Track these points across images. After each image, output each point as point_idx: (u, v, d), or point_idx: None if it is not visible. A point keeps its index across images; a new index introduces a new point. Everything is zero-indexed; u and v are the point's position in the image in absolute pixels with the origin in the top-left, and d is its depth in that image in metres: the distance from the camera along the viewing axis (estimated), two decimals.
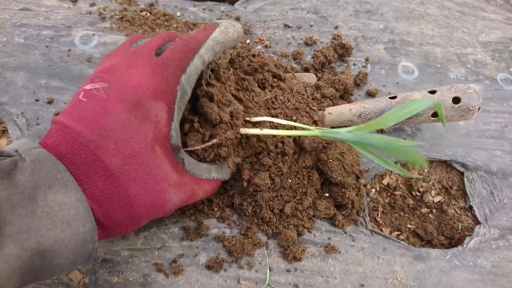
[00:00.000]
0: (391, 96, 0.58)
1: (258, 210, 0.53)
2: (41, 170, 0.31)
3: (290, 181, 0.53)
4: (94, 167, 0.34)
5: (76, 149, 0.34)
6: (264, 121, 0.49)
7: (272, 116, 0.53)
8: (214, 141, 0.44)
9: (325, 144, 0.56)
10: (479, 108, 0.55)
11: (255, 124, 0.49)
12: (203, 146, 0.44)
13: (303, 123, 0.54)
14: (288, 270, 0.52)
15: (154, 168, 0.37)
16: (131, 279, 0.49)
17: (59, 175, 0.32)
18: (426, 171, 0.67)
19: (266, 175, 0.52)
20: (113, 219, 0.36)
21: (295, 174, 0.54)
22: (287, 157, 0.53)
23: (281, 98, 0.55)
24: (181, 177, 0.41)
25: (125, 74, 0.38)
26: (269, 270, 0.52)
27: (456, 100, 0.55)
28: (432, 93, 0.56)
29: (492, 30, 0.79)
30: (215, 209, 0.55)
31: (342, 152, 0.56)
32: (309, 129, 0.47)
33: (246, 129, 0.47)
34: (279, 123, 0.51)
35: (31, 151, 0.33)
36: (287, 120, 0.54)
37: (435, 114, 0.56)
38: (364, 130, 0.43)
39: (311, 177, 0.55)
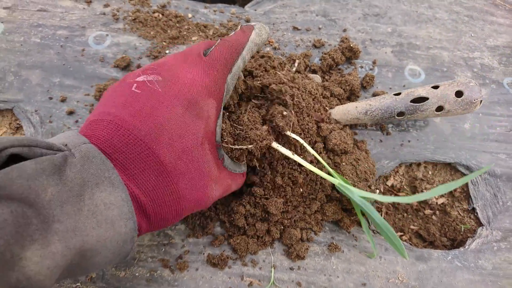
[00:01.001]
0: (395, 93, 0.59)
1: (265, 215, 0.54)
2: (90, 167, 0.31)
3: (301, 190, 0.54)
4: (149, 161, 0.34)
5: (131, 143, 0.33)
6: (292, 138, 0.50)
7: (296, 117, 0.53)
8: (250, 146, 0.45)
9: (347, 149, 0.57)
10: (481, 101, 0.56)
11: (283, 138, 0.50)
12: (237, 147, 0.45)
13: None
14: (291, 268, 0.53)
15: (202, 163, 0.38)
16: (137, 274, 0.51)
17: (107, 174, 0.32)
18: (430, 173, 0.67)
19: (280, 201, 0.52)
20: (160, 214, 0.36)
21: (309, 181, 0.55)
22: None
23: (302, 103, 0.54)
24: (220, 172, 0.42)
25: (179, 71, 0.39)
26: (273, 268, 0.53)
27: (458, 93, 0.56)
28: (435, 88, 0.57)
29: (500, 35, 0.80)
30: (220, 215, 0.56)
31: (358, 159, 0.57)
32: (331, 175, 0.52)
33: (279, 145, 0.48)
34: (305, 147, 0.51)
35: (80, 146, 0.32)
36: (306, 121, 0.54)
37: (439, 109, 0.57)
38: (374, 198, 0.49)
39: (323, 183, 0.56)
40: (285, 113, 0.47)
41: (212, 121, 0.40)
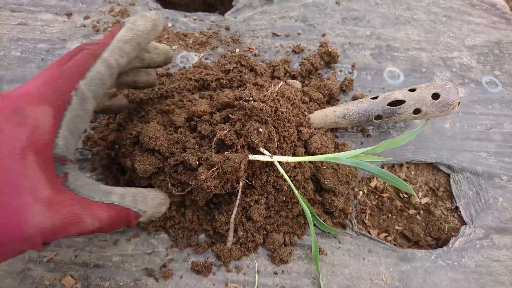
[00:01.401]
0: (373, 96, 0.60)
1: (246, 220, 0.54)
2: None
3: (284, 198, 0.55)
4: None
5: None
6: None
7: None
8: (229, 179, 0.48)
9: (328, 153, 0.57)
10: (459, 102, 0.57)
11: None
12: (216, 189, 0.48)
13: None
14: (275, 273, 0.53)
15: (17, 176, 0.31)
16: (121, 284, 0.51)
17: None
18: (412, 173, 0.68)
19: (262, 208, 0.53)
20: None
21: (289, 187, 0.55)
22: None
23: (280, 109, 0.54)
24: (58, 194, 0.34)
25: (24, 83, 0.36)
26: (257, 273, 0.53)
27: (435, 96, 0.57)
28: (412, 91, 0.58)
29: (478, 34, 0.81)
30: (203, 225, 0.56)
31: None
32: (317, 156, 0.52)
33: (255, 156, 0.49)
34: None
35: None
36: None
37: (416, 111, 0.58)
38: (360, 158, 0.49)
39: (305, 187, 0.56)
40: (260, 130, 0.48)
41: (43, 130, 0.34)
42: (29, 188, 0.32)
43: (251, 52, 0.72)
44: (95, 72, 0.37)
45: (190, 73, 0.64)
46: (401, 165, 0.68)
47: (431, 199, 0.68)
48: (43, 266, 0.52)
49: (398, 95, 0.58)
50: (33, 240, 0.32)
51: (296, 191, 0.50)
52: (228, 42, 0.73)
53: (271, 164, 0.52)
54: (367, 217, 0.65)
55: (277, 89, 0.55)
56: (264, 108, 0.48)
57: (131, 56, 0.42)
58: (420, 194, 0.68)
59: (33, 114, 0.34)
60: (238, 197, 0.49)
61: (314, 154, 0.57)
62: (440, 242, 0.64)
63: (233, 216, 0.51)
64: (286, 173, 0.52)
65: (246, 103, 0.49)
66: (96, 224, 0.36)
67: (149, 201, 0.43)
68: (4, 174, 0.31)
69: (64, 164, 0.36)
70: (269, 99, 0.51)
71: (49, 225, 0.32)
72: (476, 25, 0.82)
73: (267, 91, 0.53)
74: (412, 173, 0.68)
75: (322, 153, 0.57)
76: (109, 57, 0.39)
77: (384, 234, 0.65)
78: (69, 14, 0.74)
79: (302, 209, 0.56)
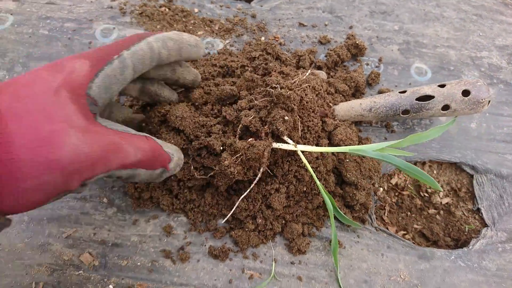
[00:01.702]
0: (401, 90, 0.59)
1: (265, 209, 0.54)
2: None
3: (305, 189, 0.54)
4: None
5: None
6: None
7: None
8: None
9: (351, 144, 0.57)
10: (489, 101, 0.55)
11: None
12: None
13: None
14: (292, 263, 0.53)
15: (51, 106, 0.31)
16: (139, 263, 0.51)
17: None
18: (435, 172, 0.67)
19: (282, 197, 0.52)
20: None
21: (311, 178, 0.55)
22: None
23: (305, 98, 0.53)
24: (93, 125, 0.34)
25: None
26: (274, 261, 0.53)
27: (465, 93, 0.55)
28: (441, 87, 0.57)
29: (510, 34, 0.79)
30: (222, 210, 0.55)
31: (362, 156, 0.57)
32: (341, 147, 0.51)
33: (279, 144, 0.48)
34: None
35: None
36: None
37: (445, 108, 0.56)
38: (386, 151, 0.48)
39: (327, 179, 0.56)
40: (286, 118, 0.47)
41: (78, 74, 0.34)
42: (63, 116, 0.31)
43: (277, 41, 0.71)
44: (139, 47, 0.40)
45: (214, 59, 0.64)
46: (423, 163, 0.67)
47: (452, 199, 0.66)
48: (62, 241, 0.52)
49: (427, 90, 0.57)
50: (69, 170, 0.30)
51: (318, 182, 0.49)
52: (254, 30, 0.72)
53: (294, 153, 0.52)
54: (386, 214, 0.64)
55: (304, 77, 0.54)
56: (292, 96, 0.48)
57: (171, 55, 0.44)
58: (441, 194, 0.66)
59: (71, 63, 0.34)
60: (255, 181, 0.49)
61: (338, 145, 0.56)
62: (459, 243, 0.62)
63: (241, 197, 0.50)
64: (309, 163, 0.51)
65: (272, 90, 0.48)
66: (138, 155, 0.35)
67: (173, 147, 0.44)
68: (39, 105, 0.30)
69: (94, 105, 0.36)
70: (296, 87, 0.51)
71: (87, 151, 0.31)
72: (508, 24, 0.80)
73: (294, 79, 0.53)
74: (435, 172, 0.67)
75: (346, 145, 0.56)
76: (153, 41, 0.41)
77: (402, 232, 0.64)
78: None
79: (322, 201, 0.56)
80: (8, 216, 0.30)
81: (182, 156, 0.45)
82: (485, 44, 0.76)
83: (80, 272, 0.50)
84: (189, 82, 0.53)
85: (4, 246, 0.51)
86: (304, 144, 0.52)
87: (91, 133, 0.32)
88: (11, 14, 0.71)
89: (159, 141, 0.41)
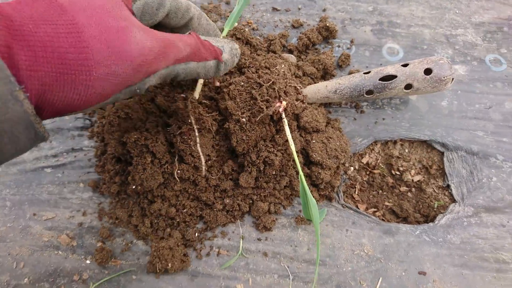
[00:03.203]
0: (365, 71, 0.60)
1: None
2: None
3: (274, 172, 0.56)
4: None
5: None
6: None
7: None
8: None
9: (319, 127, 0.59)
10: (452, 79, 0.56)
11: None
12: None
13: (292, 103, 0.56)
14: (259, 239, 0.56)
15: (111, 6, 0.32)
16: (114, 244, 0.54)
17: None
18: (406, 150, 0.68)
19: (251, 177, 0.55)
20: (51, 53, 0.27)
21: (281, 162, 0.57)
22: (279, 147, 0.56)
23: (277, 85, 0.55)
24: (148, 27, 0.36)
25: None
26: (242, 238, 0.55)
27: (427, 71, 0.56)
28: (404, 66, 0.58)
29: (487, 11, 0.78)
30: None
31: (330, 137, 0.59)
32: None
33: (285, 120, 0.52)
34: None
35: None
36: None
37: (408, 87, 0.57)
38: None
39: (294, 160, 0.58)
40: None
41: None
42: (123, 15, 0.33)
43: (250, 26, 0.73)
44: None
45: None
46: (394, 142, 0.68)
47: (423, 177, 0.68)
48: (42, 224, 0.56)
49: (390, 70, 0.58)
50: (137, 62, 0.32)
51: (296, 157, 0.50)
52: (228, 16, 0.73)
53: (272, 138, 0.54)
54: (356, 192, 0.66)
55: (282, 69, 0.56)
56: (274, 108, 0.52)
57: (200, 27, 0.46)
58: (412, 171, 0.68)
59: None
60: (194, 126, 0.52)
61: (305, 128, 0.58)
62: (428, 219, 0.64)
63: (198, 145, 0.52)
64: (279, 147, 0.54)
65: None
66: (187, 49, 0.37)
67: (222, 40, 0.44)
68: (98, 2, 0.31)
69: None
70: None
71: (150, 46, 0.33)
72: (486, 1, 0.79)
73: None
74: (406, 150, 0.68)
75: (312, 127, 0.58)
76: (193, 6, 0.44)
77: (372, 209, 0.65)
78: None
79: (289, 181, 0.58)
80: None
81: (237, 46, 0.45)
82: (461, 22, 0.76)
83: (58, 252, 0.54)
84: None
85: None
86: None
87: (149, 32, 0.34)
88: None
89: (206, 37, 0.43)
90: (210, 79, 0.56)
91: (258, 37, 0.70)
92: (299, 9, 0.76)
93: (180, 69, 0.37)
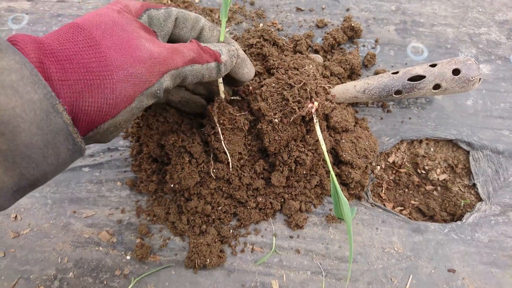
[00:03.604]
0: (393, 71, 0.61)
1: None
2: None
3: (304, 172, 0.58)
4: (67, 28, 0.35)
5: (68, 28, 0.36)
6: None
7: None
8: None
9: (348, 127, 0.60)
10: (480, 79, 0.57)
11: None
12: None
13: (323, 103, 0.58)
14: (291, 237, 0.57)
15: (120, 20, 0.38)
16: (152, 241, 0.56)
17: None
18: (432, 149, 0.69)
19: (282, 176, 0.56)
20: (77, 64, 0.32)
21: (311, 161, 0.58)
22: (310, 146, 0.57)
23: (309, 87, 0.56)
24: (154, 38, 0.41)
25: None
26: (274, 236, 0.57)
27: (456, 72, 0.57)
28: (432, 67, 0.58)
29: (511, 9, 0.78)
30: None
31: (359, 137, 0.60)
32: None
33: (317, 121, 0.53)
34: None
35: None
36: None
37: (436, 87, 0.58)
38: None
39: (324, 159, 0.59)
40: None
41: (133, 6, 0.43)
42: (132, 28, 0.38)
43: (275, 26, 0.74)
44: (188, 12, 0.46)
45: None
46: (420, 141, 0.69)
47: (449, 175, 0.69)
48: (83, 221, 0.58)
49: (418, 70, 0.59)
50: (149, 63, 0.37)
51: (326, 156, 0.51)
52: (253, 17, 0.75)
53: (302, 139, 0.56)
54: (383, 191, 0.67)
55: (311, 69, 0.57)
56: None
57: (212, 38, 0.49)
58: (438, 170, 0.69)
59: (125, 1, 0.42)
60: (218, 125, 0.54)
61: (334, 128, 0.59)
62: (455, 217, 0.65)
63: (223, 143, 0.54)
64: (309, 146, 0.55)
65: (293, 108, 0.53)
66: (191, 53, 0.42)
67: (220, 45, 0.47)
68: (108, 18, 0.37)
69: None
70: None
71: (158, 51, 0.38)
72: None
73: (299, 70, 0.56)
74: (431, 149, 0.69)
75: (342, 127, 0.59)
76: (203, 19, 0.48)
77: (399, 208, 0.67)
78: None
79: (319, 180, 0.59)
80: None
81: (235, 47, 0.48)
82: (484, 20, 0.76)
83: (99, 248, 0.56)
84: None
85: (33, 226, 0.57)
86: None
87: (156, 42, 0.40)
88: (27, 14, 0.76)
89: (205, 44, 0.47)
90: (245, 88, 0.58)
91: (284, 38, 0.72)
92: (323, 9, 0.77)
93: (187, 70, 0.41)
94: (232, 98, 0.57)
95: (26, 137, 0.29)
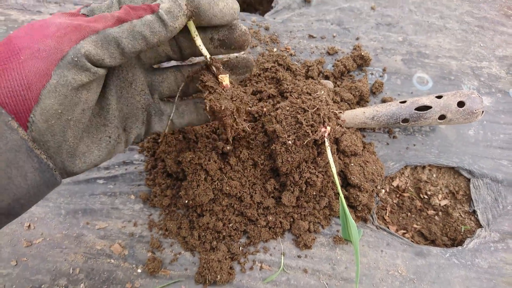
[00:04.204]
0: (401, 100, 0.64)
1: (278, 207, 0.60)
2: None
3: (314, 193, 0.60)
4: None
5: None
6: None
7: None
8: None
9: (357, 151, 0.63)
10: (483, 111, 0.60)
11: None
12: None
13: (335, 128, 0.60)
14: (299, 256, 0.59)
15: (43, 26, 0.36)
16: (163, 255, 0.58)
17: None
18: (434, 175, 0.72)
19: (293, 196, 0.58)
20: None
21: (322, 183, 0.60)
22: (320, 168, 0.59)
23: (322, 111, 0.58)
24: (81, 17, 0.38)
25: None
26: (283, 255, 0.59)
27: (460, 104, 0.60)
28: (438, 98, 0.62)
29: (510, 45, 0.83)
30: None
31: (367, 161, 0.63)
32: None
33: (328, 146, 0.55)
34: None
35: None
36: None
37: (441, 117, 0.61)
38: None
39: (334, 182, 0.61)
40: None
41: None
42: (49, 17, 0.36)
43: (288, 52, 0.77)
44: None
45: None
46: (423, 167, 0.72)
47: (450, 201, 0.71)
48: (95, 233, 0.59)
49: (425, 100, 0.62)
50: (57, 35, 0.34)
51: (336, 177, 0.54)
52: (267, 41, 0.78)
53: (313, 160, 0.58)
54: (387, 214, 0.69)
55: (323, 93, 0.60)
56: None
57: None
58: (440, 196, 0.71)
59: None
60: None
61: (344, 151, 0.62)
62: (455, 242, 0.67)
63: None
64: (320, 168, 0.57)
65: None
66: (115, 14, 0.36)
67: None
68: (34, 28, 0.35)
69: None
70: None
71: (68, 22, 0.35)
72: (509, 35, 0.84)
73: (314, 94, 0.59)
74: (434, 175, 0.72)
75: (351, 151, 0.62)
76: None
77: (402, 231, 0.69)
78: None
79: (328, 202, 0.61)
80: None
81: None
82: (486, 55, 0.80)
83: (111, 260, 0.57)
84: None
85: (46, 236, 0.58)
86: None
87: (75, 17, 0.36)
88: None
89: None
90: (259, 109, 0.60)
91: (296, 63, 0.75)
92: (334, 37, 0.80)
93: (115, 32, 0.35)
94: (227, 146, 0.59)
95: None
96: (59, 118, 0.34)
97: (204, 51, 0.42)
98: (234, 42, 0.43)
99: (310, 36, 0.80)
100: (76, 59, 0.33)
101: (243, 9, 0.87)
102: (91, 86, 0.36)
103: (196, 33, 0.41)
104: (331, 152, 0.60)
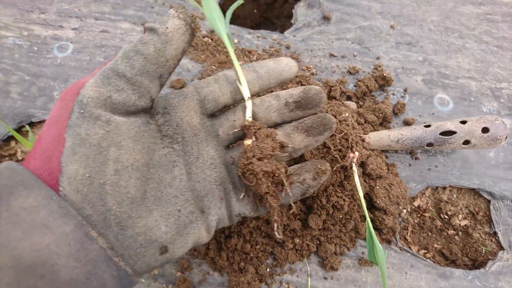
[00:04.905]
0: (426, 124, 0.65)
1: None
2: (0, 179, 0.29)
3: (341, 216, 0.61)
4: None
5: None
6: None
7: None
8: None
9: (382, 174, 0.63)
10: (506, 137, 0.61)
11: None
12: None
13: (360, 152, 0.61)
14: (325, 278, 0.60)
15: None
16: (192, 275, 0.58)
17: (18, 178, 0.29)
18: (454, 196, 0.72)
19: (320, 219, 0.59)
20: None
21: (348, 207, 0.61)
22: (347, 192, 0.59)
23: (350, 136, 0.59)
24: None
25: None
26: (309, 276, 0.60)
27: (485, 130, 0.61)
28: (463, 123, 0.62)
29: None
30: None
31: (391, 184, 0.63)
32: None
33: (355, 170, 0.55)
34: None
35: None
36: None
37: (466, 142, 0.62)
38: None
39: (359, 205, 0.62)
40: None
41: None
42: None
43: (309, 71, 0.78)
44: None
45: None
46: (444, 188, 0.72)
47: (470, 222, 0.72)
48: None
49: (450, 126, 0.63)
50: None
51: (363, 201, 0.55)
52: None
53: (341, 184, 0.58)
54: (408, 234, 0.70)
55: (347, 115, 0.61)
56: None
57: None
58: (460, 216, 0.72)
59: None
60: None
61: (369, 174, 0.63)
62: (476, 263, 0.68)
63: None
64: (346, 192, 0.58)
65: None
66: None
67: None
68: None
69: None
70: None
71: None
72: None
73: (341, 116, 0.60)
74: (454, 196, 0.73)
75: (376, 174, 0.63)
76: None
77: (423, 251, 0.69)
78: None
79: (354, 225, 0.62)
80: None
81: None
82: (505, 76, 0.81)
83: (141, 279, 0.58)
84: None
85: None
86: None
87: None
88: (71, 43, 0.79)
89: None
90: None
91: (318, 82, 0.76)
92: (355, 56, 0.81)
93: (109, 65, 0.34)
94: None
95: (66, 273, 0.27)
96: (91, 184, 0.31)
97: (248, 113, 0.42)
98: (310, 102, 0.42)
99: (331, 55, 0.81)
100: (82, 111, 0.31)
101: (259, 22, 0.88)
102: (120, 142, 0.33)
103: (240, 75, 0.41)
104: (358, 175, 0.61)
